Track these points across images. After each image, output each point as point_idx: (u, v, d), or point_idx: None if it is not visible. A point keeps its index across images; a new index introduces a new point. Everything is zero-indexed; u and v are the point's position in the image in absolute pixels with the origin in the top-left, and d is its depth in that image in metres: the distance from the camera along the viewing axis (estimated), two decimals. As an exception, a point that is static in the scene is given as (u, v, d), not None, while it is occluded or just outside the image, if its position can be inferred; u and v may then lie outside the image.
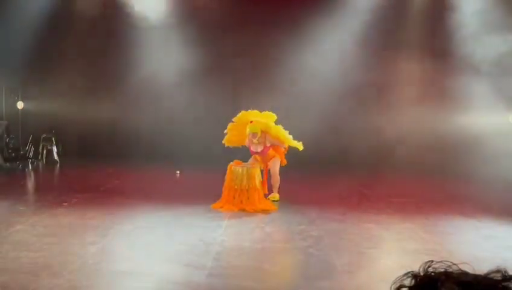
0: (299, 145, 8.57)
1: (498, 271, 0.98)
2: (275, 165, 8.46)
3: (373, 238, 6.32)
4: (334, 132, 13.09)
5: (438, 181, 11.05)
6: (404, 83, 13.00)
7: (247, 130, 8.24)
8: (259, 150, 8.34)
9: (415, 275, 1.00)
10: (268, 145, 8.35)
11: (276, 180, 8.48)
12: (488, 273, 0.98)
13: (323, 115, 13.22)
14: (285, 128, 8.68)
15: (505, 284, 0.96)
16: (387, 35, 12.81)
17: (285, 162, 8.64)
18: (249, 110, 8.62)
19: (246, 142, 8.43)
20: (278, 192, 8.51)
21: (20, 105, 13.45)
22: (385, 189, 10.16)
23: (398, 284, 1.01)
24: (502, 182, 10.41)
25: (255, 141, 8.26)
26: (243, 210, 7.71)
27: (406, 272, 1.01)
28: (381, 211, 7.86)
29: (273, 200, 8.37)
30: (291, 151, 12.85)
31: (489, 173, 10.88)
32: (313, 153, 12.91)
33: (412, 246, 5.97)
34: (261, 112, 8.62)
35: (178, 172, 10.08)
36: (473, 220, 7.36)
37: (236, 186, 7.86)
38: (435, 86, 12.80)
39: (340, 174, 11.61)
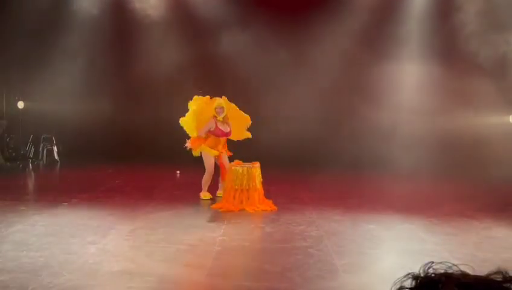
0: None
1: (499, 272, 0.97)
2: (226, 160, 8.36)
3: (373, 239, 6.31)
4: (334, 132, 13.10)
5: (438, 182, 11.05)
6: (405, 82, 12.98)
7: (215, 104, 8.27)
8: (228, 130, 8.33)
9: (415, 277, 0.99)
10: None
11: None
12: (488, 275, 0.97)
13: (324, 115, 13.23)
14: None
15: (505, 285, 0.96)
16: (389, 34, 12.80)
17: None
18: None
19: (207, 126, 8.25)
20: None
21: (20, 105, 13.46)
22: (385, 189, 10.15)
23: (398, 286, 1.01)
24: (502, 183, 10.41)
25: (219, 118, 8.23)
26: (243, 210, 7.71)
27: (406, 273, 1.00)
28: (381, 212, 7.86)
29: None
30: (289, 151, 12.89)
31: (490, 174, 10.89)
32: (314, 153, 12.95)
33: (413, 246, 5.96)
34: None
35: (178, 172, 10.10)
36: (474, 221, 7.36)
37: (236, 187, 7.85)
38: (436, 86, 12.79)
39: (341, 175, 11.61)
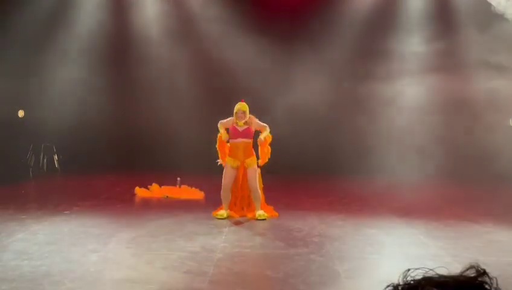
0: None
1: (472, 267, 1.01)
2: (255, 177, 7.51)
3: (375, 244, 6.29)
4: (335, 137, 13.10)
5: (439, 186, 11.03)
6: (404, 84, 12.98)
7: (235, 109, 7.50)
8: (244, 129, 7.45)
9: (395, 286, 1.03)
10: (252, 129, 7.51)
11: (258, 195, 7.54)
12: (463, 271, 1.01)
13: (323, 120, 13.24)
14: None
15: (480, 279, 1.00)
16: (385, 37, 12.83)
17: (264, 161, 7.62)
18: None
19: (227, 121, 7.54)
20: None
21: (20, 114, 13.47)
22: (386, 194, 10.14)
23: None
24: (504, 186, 10.39)
25: (240, 123, 7.45)
26: (244, 217, 7.69)
27: (386, 285, 1.03)
28: (382, 216, 7.84)
29: (260, 219, 7.49)
30: (290, 157, 12.88)
31: (491, 177, 10.87)
32: (314, 158, 12.94)
33: (415, 251, 5.94)
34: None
35: (179, 179, 10.07)
36: (476, 225, 7.34)
37: (237, 193, 7.82)
38: (433, 88, 12.80)
39: (341, 180, 11.60)
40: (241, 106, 7.54)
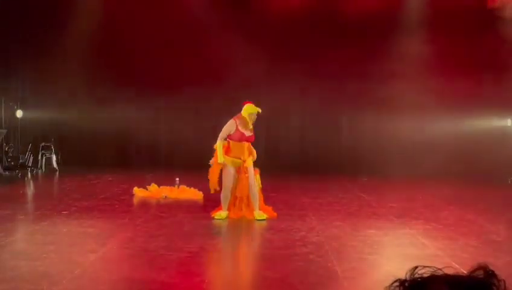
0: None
1: (480, 268, 1.00)
2: (253, 173, 7.54)
3: (374, 244, 6.30)
4: (334, 137, 13.11)
5: (438, 186, 11.04)
6: (403, 89, 13.00)
7: (250, 111, 7.44)
8: (250, 134, 7.52)
9: (402, 282, 1.01)
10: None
11: (256, 193, 7.53)
12: (471, 272, 1.01)
13: (322, 121, 13.25)
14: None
15: (489, 281, 0.99)
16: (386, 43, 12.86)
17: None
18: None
19: (226, 129, 7.45)
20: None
21: (19, 114, 13.46)
22: (385, 194, 10.15)
23: None
24: (503, 186, 10.41)
25: (249, 125, 7.46)
26: (243, 217, 7.68)
27: (393, 280, 1.02)
28: (381, 217, 7.85)
29: (259, 219, 7.46)
30: (288, 157, 12.87)
31: (491, 177, 10.89)
32: (313, 159, 12.95)
33: (413, 252, 5.95)
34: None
35: (177, 179, 10.07)
36: (474, 225, 7.35)
37: (236, 194, 7.82)
38: (432, 91, 12.82)
39: (340, 180, 11.60)
40: (254, 109, 7.48)
